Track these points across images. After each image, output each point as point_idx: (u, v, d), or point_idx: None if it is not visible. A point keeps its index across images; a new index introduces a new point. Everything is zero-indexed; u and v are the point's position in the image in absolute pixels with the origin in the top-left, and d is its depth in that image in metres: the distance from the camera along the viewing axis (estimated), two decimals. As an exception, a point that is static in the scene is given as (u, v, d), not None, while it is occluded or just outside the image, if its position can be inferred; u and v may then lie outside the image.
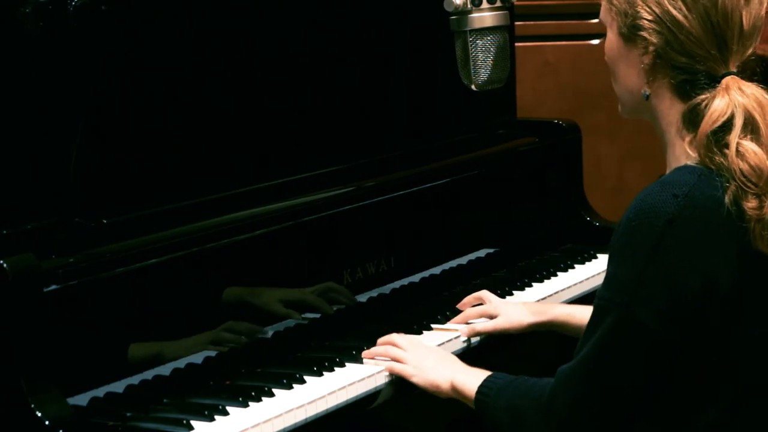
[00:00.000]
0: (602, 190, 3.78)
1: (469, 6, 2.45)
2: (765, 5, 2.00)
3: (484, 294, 2.61)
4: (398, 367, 2.29)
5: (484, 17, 2.46)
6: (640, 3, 1.96)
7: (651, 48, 1.96)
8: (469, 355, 2.45)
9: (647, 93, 1.99)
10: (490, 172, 2.95)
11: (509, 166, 3.03)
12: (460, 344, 2.48)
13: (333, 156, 2.65)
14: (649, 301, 1.88)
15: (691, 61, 1.94)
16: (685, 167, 1.93)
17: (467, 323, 2.54)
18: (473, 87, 2.49)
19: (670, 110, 1.98)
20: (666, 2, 1.94)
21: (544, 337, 2.54)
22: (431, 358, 2.30)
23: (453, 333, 2.49)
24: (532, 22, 3.92)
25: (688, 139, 1.95)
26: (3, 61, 2.17)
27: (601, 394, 1.94)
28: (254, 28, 2.52)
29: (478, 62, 2.46)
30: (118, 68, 2.25)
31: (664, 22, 1.94)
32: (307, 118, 2.63)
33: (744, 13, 1.95)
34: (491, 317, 2.53)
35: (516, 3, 2.59)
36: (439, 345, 2.43)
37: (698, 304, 1.87)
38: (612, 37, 2.03)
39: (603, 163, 4.10)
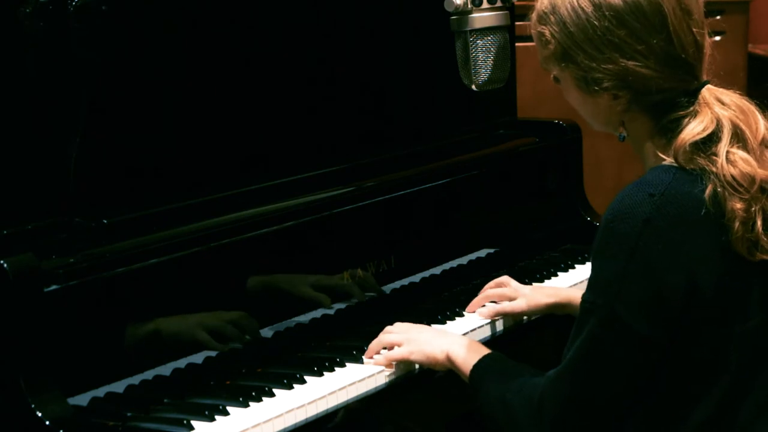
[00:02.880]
0: (602, 190, 3.78)
1: (469, 6, 2.45)
2: (701, 3, 2.00)
3: (505, 278, 2.61)
4: (395, 353, 2.29)
5: (485, 17, 2.46)
6: (597, 68, 1.94)
7: (622, 99, 1.96)
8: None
9: (623, 135, 2.01)
10: (490, 172, 2.95)
11: (509, 166, 3.03)
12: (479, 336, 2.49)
13: (333, 156, 2.65)
14: (631, 301, 1.89)
15: (666, 94, 1.95)
16: (661, 167, 1.95)
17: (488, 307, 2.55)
18: (474, 87, 2.49)
19: (647, 130, 2.00)
20: (623, 61, 1.93)
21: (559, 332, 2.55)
22: (426, 333, 2.31)
23: (467, 327, 2.49)
24: (532, 22, 3.91)
25: (661, 143, 1.97)
26: (3, 61, 2.17)
27: (588, 396, 1.95)
28: (255, 28, 2.52)
29: (479, 62, 2.46)
30: (118, 68, 2.25)
31: (628, 79, 1.94)
32: (307, 118, 2.63)
33: (694, 29, 1.95)
34: (510, 300, 2.55)
35: (516, 3, 2.59)
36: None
37: (679, 301, 1.89)
38: (571, 90, 2.03)
39: (603, 164, 4.10)
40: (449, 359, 2.20)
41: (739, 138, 1.92)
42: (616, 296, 1.89)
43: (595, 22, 1.93)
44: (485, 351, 2.17)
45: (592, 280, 1.95)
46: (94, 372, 2.08)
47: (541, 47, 2.03)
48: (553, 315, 2.58)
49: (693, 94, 1.95)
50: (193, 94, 2.39)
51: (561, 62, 1.99)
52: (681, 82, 1.95)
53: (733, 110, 1.94)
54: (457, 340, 2.25)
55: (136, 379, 2.14)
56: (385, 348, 2.32)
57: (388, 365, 2.29)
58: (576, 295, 2.51)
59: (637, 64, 1.92)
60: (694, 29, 1.95)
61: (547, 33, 1.99)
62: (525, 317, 2.58)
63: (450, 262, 2.82)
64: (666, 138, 1.96)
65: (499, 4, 2.48)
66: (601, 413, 1.96)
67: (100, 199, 2.22)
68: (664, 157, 1.96)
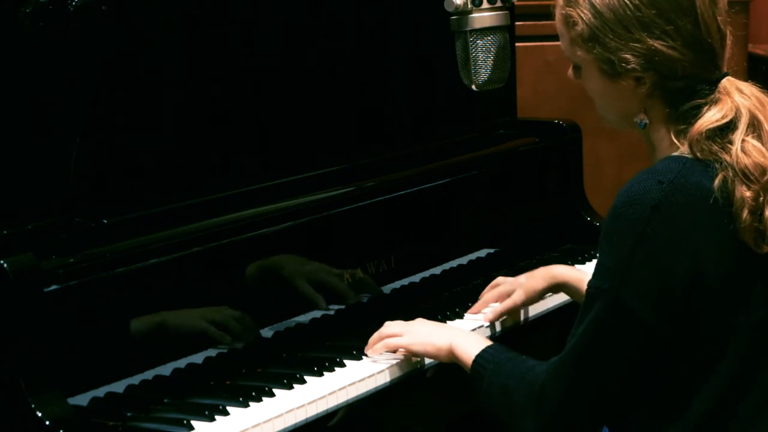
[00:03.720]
0: (602, 190, 3.78)
1: (469, 6, 2.45)
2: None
3: (498, 279, 2.62)
4: (394, 341, 2.29)
5: (485, 17, 2.46)
6: (624, 48, 1.95)
7: (647, 84, 1.97)
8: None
9: (645, 122, 2.00)
10: (490, 172, 2.95)
11: (509, 166, 3.03)
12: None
13: (333, 156, 2.65)
14: (636, 288, 1.89)
15: (689, 81, 1.96)
16: (671, 157, 1.96)
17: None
18: (474, 87, 2.49)
19: (664, 119, 2.00)
20: (651, 41, 1.93)
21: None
22: (426, 326, 2.32)
23: (467, 327, 2.50)
24: (532, 22, 3.92)
25: (677, 129, 1.97)
26: (3, 61, 2.17)
27: (590, 384, 1.95)
28: (255, 28, 2.52)
29: (479, 62, 2.46)
30: (118, 68, 2.25)
31: (654, 60, 1.95)
32: (307, 118, 2.63)
33: (718, 17, 1.97)
34: (509, 295, 2.55)
35: (516, 3, 2.59)
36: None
37: (684, 290, 1.89)
38: (594, 77, 2.01)
39: (603, 163, 4.10)
40: (451, 349, 2.19)
41: (755, 128, 1.94)
42: (621, 282, 1.90)
43: (626, 1, 1.94)
44: (488, 342, 2.17)
45: (598, 266, 1.95)
46: (94, 372, 2.08)
47: (566, 29, 2.02)
48: (555, 313, 2.59)
49: (714, 83, 1.96)
50: (193, 94, 2.39)
51: (587, 43, 1.98)
52: (704, 69, 1.96)
53: (753, 100, 1.95)
54: (459, 332, 2.26)
55: (136, 379, 2.14)
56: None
57: (390, 366, 2.29)
58: (569, 273, 2.55)
59: (665, 44, 1.93)
60: (718, 17, 1.97)
61: (575, 14, 1.98)
62: (524, 317, 2.58)
63: (450, 262, 2.82)
64: (683, 124, 1.96)
65: (499, 4, 2.48)
66: (603, 401, 1.96)
67: (100, 199, 2.22)
68: (678, 143, 1.96)
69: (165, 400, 2.16)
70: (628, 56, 1.95)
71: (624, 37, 1.95)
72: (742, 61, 4.36)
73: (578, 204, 3.14)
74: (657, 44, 1.94)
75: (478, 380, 2.11)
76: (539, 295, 2.57)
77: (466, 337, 2.21)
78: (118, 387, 2.11)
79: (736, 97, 1.95)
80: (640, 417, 1.97)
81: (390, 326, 2.33)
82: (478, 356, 2.13)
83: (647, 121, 2.01)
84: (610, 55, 1.96)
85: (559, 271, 2.58)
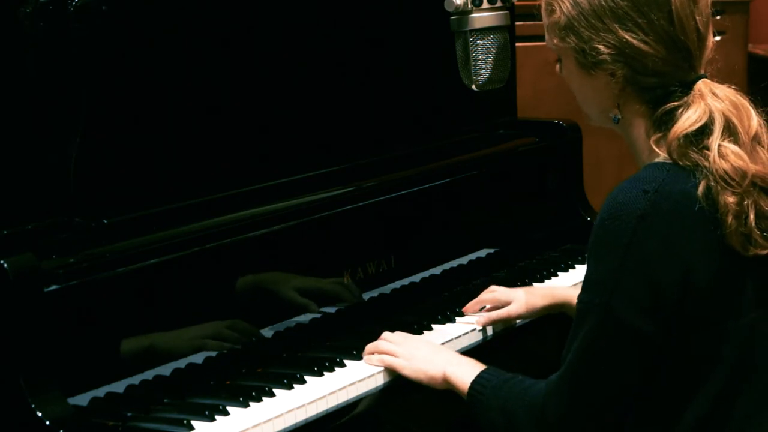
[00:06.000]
0: (602, 190, 3.77)
1: (469, 6, 2.45)
2: (709, 1, 2.01)
3: (493, 288, 2.61)
4: (389, 360, 2.29)
5: (485, 17, 2.46)
6: (596, 38, 1.95)
7: (618, 77, 1.97)
8: (479, 351, 2.45)
9: (618, 117, 2.00)
10: (490, 172, 2.95)
11: (509, 166, 3.03)
12: (472, 339, 2.48)
13: (333, 156, 2.65)
14: (627, 298, 1.89)
15: (662, 79, 1.96)
16: (655, 164, 1.96)
17: (482, 311, 2.55)
18: (474, 87, 2.49)
19: (641, 118, 2.00)
20: (622, 33, 1.94)
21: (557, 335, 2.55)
22: (423, 349, 2.30)
23: (467, 327, 2.50)
24: (532, 22, 3.91)
25: (655, 137, 1.97)
26: (3, 61, 2.17)
27: (590, 397, 1.95)
28: (255, 28, 2.52)
29: (479, 62, 2.46)
30: (118, 68, 2.25)
31: (625, 53, 1.95)
32: (307, 117, 2.63)
33: (697, 17, 1.96)
34: (504, 306, 2.54)
35: (516, 3, 2.59)
36: (454, 339, 2.46)
37: (675, 297, 1.89)
38: (571, 68, 2.03)
39: (603, 163, 4.10)
40: (445, 378, 2.20)
41: (730, 132, 1.93)
42: (611, 293, 1.90)
43: None
44: (482, 366, 2.17)
45: (587, 279, 1.95)
46: (94, 372, 2.09)
47: (545, 16, 2.04)
48: (549, 316, 2.58)
49: (689, 86, 1.95)
50: (193, 93, 2.39)
51: (561, 32, 2.00)
52: (678, 68, 1.95)
53: (726, 104, 1.94)
54: (453, 359, 2.25)
55: (136, 379, 2.14)
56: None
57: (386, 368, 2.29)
58: (571, 293, 2.52)
59: (636, 37, 1.93)
60: (697, 17, 1.96)
61: (555, 3, 2.01)
62: (518, 321, 2.59)
63: (450, 262, 2.82)
64: (661, 132, 1.96)
65: (499, 4, 2.48)
66: (604, 413, 1.96)
67: (100, 199, 2.22)
68: (658, 151, 1.96)
69: (165, 400, 2.16)
70: (599, 47, 1.96)
71: (597, 28, 1.96)
72: (742, 61, 4.36)
73: (578, 204, 3.14)
74: (628, 36, 1.94)
75: (476, 406, 2.11)
76: (537, 313, 2.55)
77: (459, 364, 2.21)
78: (118, 387, 2.12)
79: (710, 100, 1.94)
80: (636, 422, 1.97)
81: (387, 340, 2.33)
82: (474, 382, 2.13)
83: (620, 117, 2.01)
84: (583, 45, 1.98)
85: (561, 292, 2.58)
